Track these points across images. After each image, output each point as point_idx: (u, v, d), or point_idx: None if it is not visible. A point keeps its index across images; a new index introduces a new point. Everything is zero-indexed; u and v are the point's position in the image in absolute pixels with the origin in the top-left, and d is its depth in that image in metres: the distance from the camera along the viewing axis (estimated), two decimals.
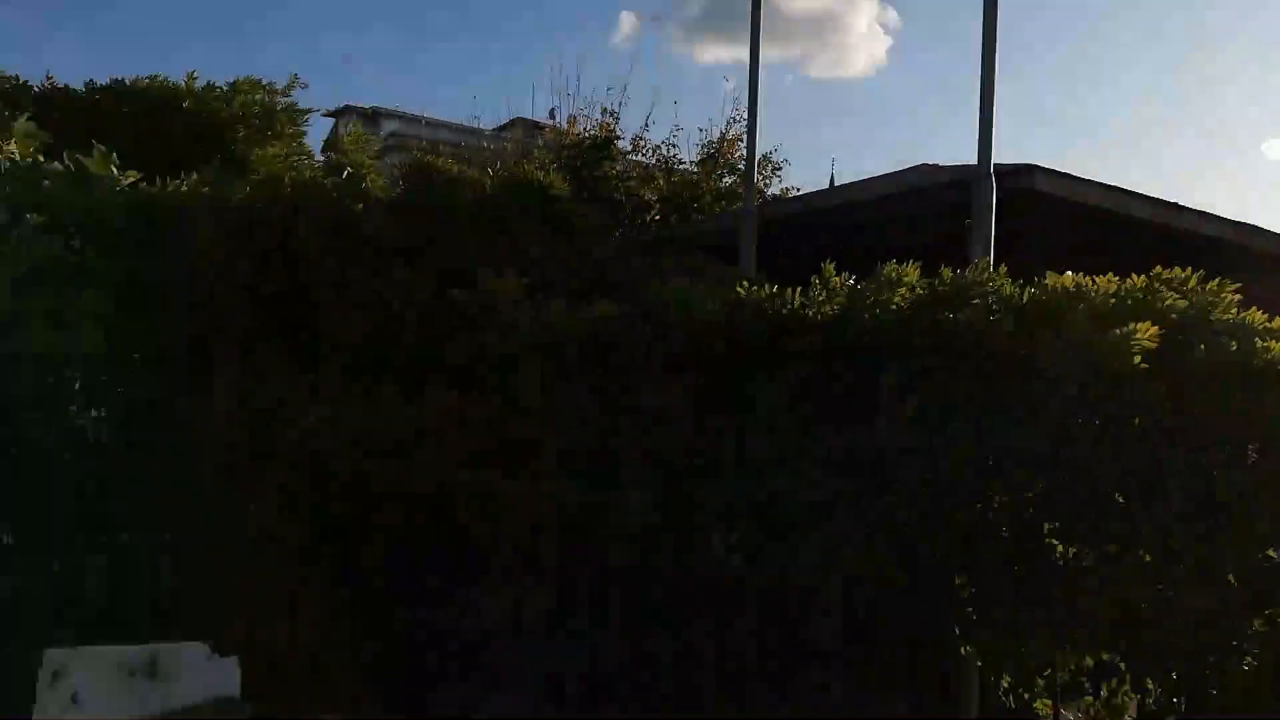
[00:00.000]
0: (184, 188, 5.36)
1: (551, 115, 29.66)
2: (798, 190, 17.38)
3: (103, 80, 7.81)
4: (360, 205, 5.28)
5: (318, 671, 4.99)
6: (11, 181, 4.53)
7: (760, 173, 17.16)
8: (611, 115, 17.10)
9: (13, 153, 4.70)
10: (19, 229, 4.27)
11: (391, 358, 5.29)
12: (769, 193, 17.44)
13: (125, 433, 4.69)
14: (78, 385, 4.59)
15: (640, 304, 4.59)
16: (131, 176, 5.15)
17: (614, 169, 16.10)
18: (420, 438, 4.69)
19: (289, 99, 8.13)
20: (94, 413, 5.00)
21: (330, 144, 6.39)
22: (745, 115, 18.07)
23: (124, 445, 4.69)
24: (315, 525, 4.92)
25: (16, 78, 7.32)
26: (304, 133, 8.26)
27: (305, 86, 8.13)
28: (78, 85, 7.94)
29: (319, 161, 8.30)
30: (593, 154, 16.12)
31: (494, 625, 4.77)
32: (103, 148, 5.12)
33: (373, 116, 26.15)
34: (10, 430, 4.49)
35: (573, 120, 19.37)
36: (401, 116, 25.07)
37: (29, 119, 4.92)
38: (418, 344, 5.23)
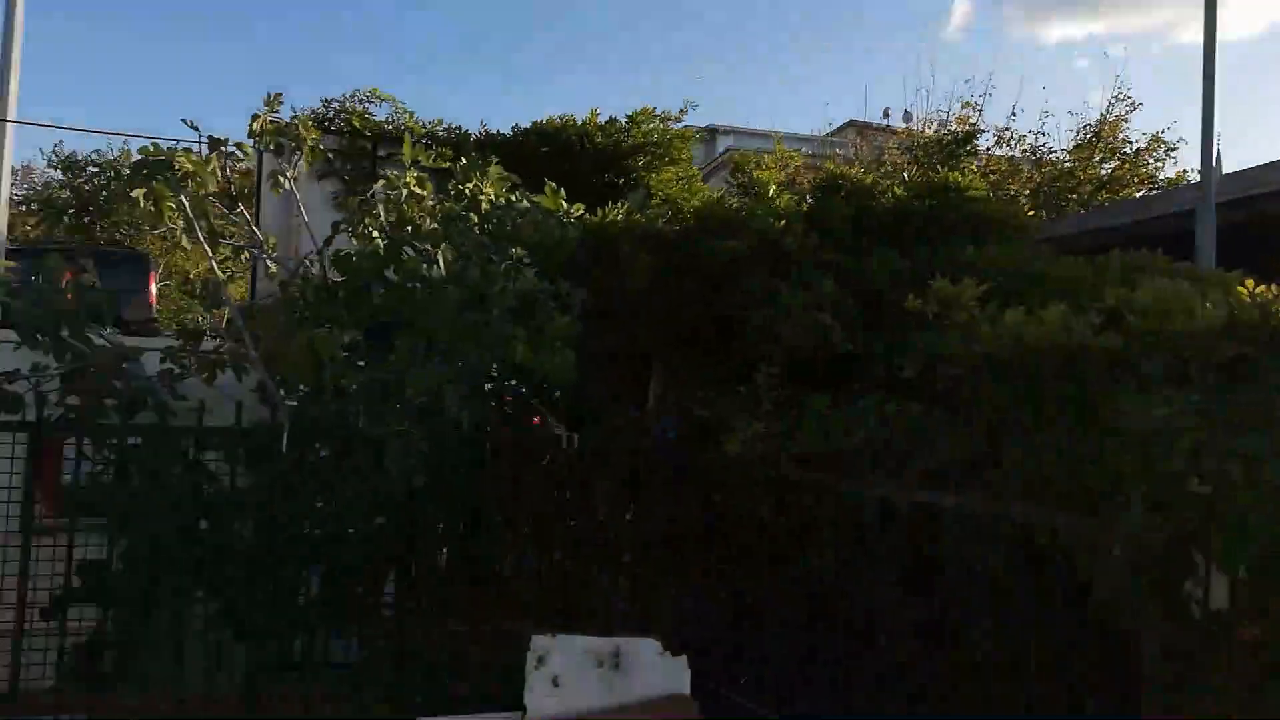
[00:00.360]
0: (618, 217, 5.81)
1: (885, 115, 28.63)
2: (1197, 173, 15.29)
3: (525, 124, 8.80)
4: (782, 222, 5.36)
5: (759, 672, 5.15)
6: (492, 220, 5.16)
7: (1150, 155, 15.33)
8: (974, 108, 16.18)
9: (489, 194, 5.34)
10: (505, 263, 4.83)
11: (815, 368, 5.32)
12: (1160, 177, 15.50)
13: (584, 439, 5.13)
14: (554, 401, 5.12)
15: (1105, 310, 4.16)
16: (579, 209, 5.66)
17: (974, 164, 15.21)
18: (858, 452, 4.65)
19: (681, 124, 8.59)
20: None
21: (738, 164, 6.59)
22: (1128, 94, 16.14)
23: (579, 451, 5.14)
24: (751, 532, 5.08)
25: (460, 127, 8.42)
26: (693, 155, 8.69)
27: (696, 107, 8.54)
28: (501, 129, 9.00)
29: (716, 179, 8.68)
30: (953, 150, 15.32)
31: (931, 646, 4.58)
32: (553, 185, 5.68)
33: (709, 134, 27.03)
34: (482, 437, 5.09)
35: (908, 116, 18.64)
36: (735, 132, 25.68)
37: (496, 163, 5.56)
38: (841, 355, 5.21)
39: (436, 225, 4.91)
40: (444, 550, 4.88)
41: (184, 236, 5.18)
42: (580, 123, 8.64)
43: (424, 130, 8.19)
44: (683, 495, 5.37)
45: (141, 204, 4.38)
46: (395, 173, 5.07)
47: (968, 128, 15.63)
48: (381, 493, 4.57)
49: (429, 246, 4.80)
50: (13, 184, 25.71)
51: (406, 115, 8.21)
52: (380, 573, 4.82)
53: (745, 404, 5.06)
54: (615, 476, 5.27)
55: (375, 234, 4.83)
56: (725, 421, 4.95)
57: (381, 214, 4.86)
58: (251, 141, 5.44)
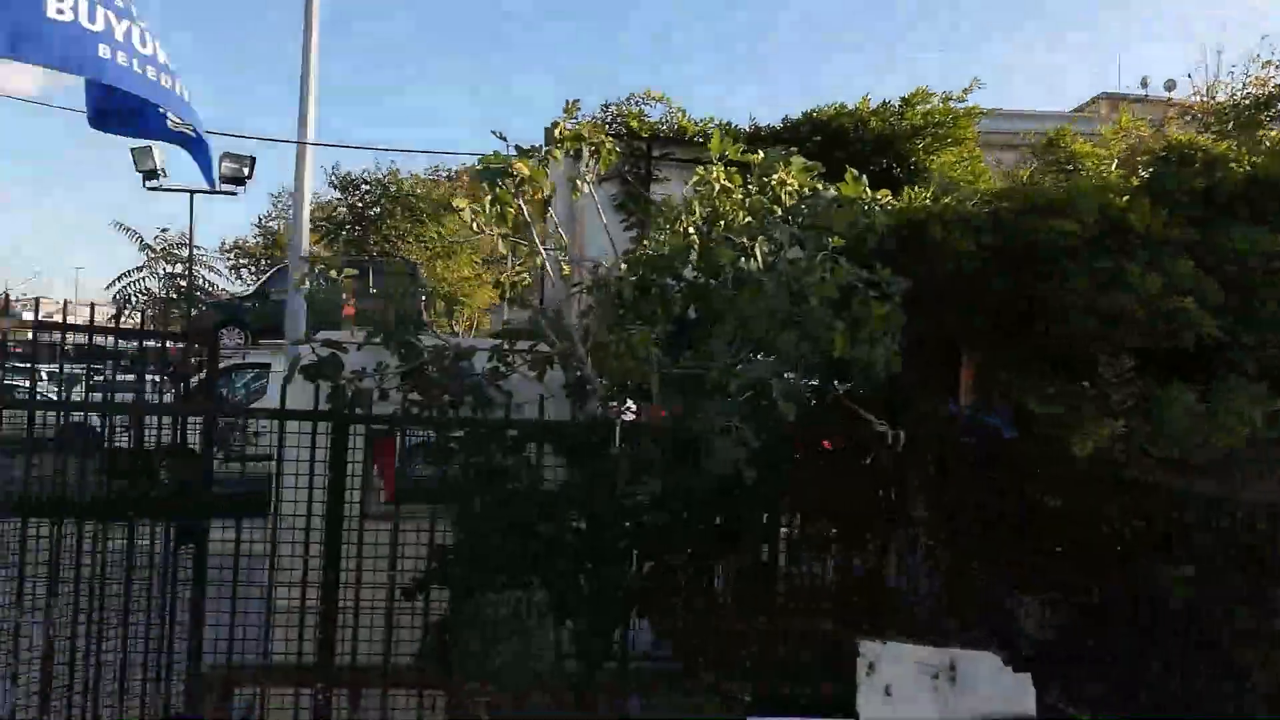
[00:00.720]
0: (926, 201, 5.51)
1: (1143, 84, 26.00)
2: None
3: (794, 115, 8.64)
4: (1124, 197, 4.85)
5: (1094, 683, 4.71)
6: (801, 211, 5.03)
7: None
8: (1277, 67, 14.26)
9: (792, 185, 5.21)
10: (820, 253, 4.68)
11: (1156, 359, 4.79)
12: None
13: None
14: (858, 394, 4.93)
15: None
16: (884, 195, 5.41)
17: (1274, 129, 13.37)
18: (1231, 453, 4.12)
19: (964, 103, 8.10)
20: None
21: (1051, 140, 6.09)
22: None
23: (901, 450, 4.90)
24: (1087, 534, 4.65)
25: (729, 123, 8.37)
26: (978, 134, 8.16)
27: (983, 87, 8.03)
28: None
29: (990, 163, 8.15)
30: (1251, 116, 13.56)
31: None
32: (854, 172, 5.46)
33: None
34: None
35: (1170, 85, 16.65)
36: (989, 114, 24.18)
37: (795, 153, 5.42)
38: (1205, 341, 4.64)
39: (750, 219, 4.84)
40: (764, 547, 4.81)
41: (500, 241, 5.43)
42: (853, 109, 8.36)
43: (697, 128, 8.23)
44: (1008, 493, 5.01)
45: (486, 209, 4.62)
46: (702, 168, 5.05)
47: (1272, 89, 13.80)
48: (704, 489, 4.56)
49: (744, 240, 4.74)
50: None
51: (679, 114, 8.28)
52: (701, 569, 4.82)
53: (1088, 399, 4.63)
54: (933, 474, 5.00)
55: (691, 230, 4.83)
56: (1065, 418, 4.55)
57: (697, 210, 4.86)
58: (550, 148, 5.62)
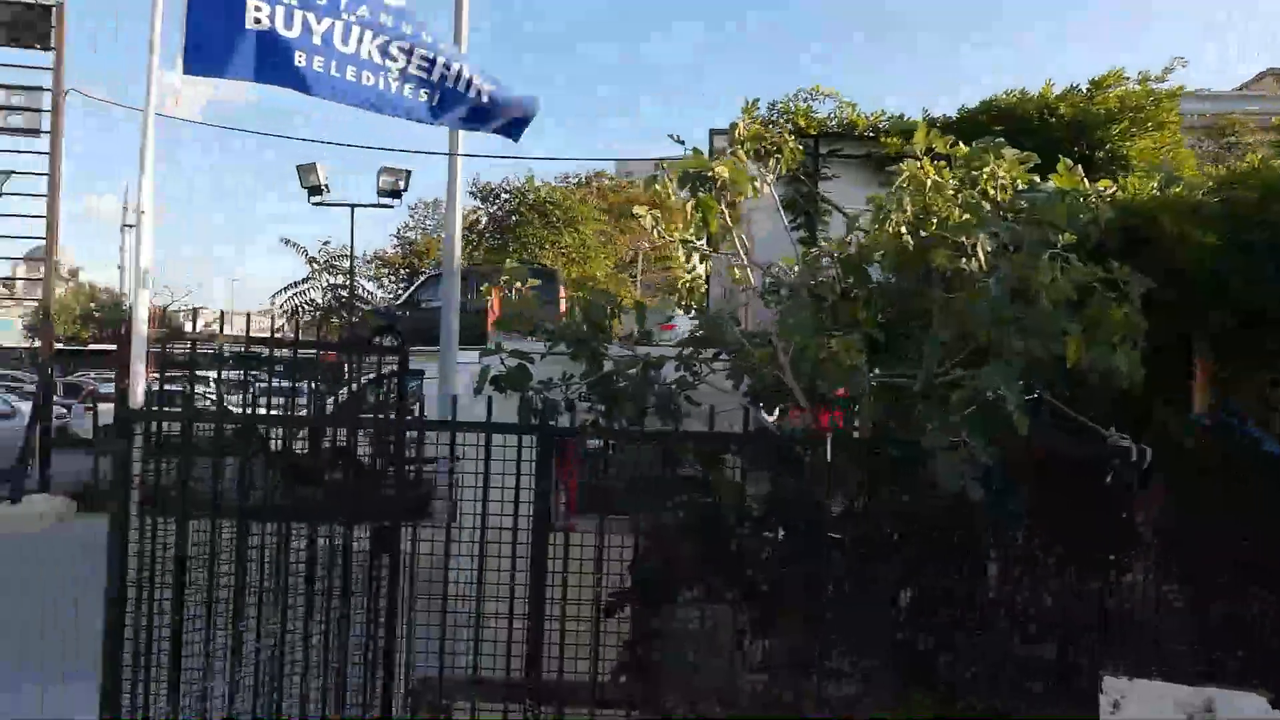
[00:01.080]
0: (1153, 191, 5.06)
1: None
2: None
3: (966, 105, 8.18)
4: None
5: None
6: (1019, 206, 4.67)
7: None
8: None
9: (1004, 178, 4.85)
10: (1049, 251, 4.31)
11: None
12: None
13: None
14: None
15: None
16: (1105, 185, 4.99)
17: None
18: None
19: (1164, 85, 7.49)
20: None
21: None
22: None
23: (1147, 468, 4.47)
24: None
25: (902, 115, 8.00)
26: (1180, 118, 7.52)
27: (1185, 65, 7.38)
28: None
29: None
30: None
31: None
32: (1067, 161, 5.05)
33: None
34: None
35: None
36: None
37: (1004, 144, 5.04)
38: None
39: (966, 216, 4.51)
40: (986, 566, 4.48)
41: (678, 247, 5.27)
42: (1030, 95, 7.85)
43: (868, 122, 7.89)
44: (1266, 512, 4.49)
45: (689, 215, 4.48)
46: (907, 163, 4.76)
47: None
48: (920, 505, 4.28)
49: (963, 239, 4.43)
50: (434, 214, 29.64)
51: (849, 108, 7.96)
52: (913, 586, 4.54)
53: None
54: (1176, 490, 4.54)
55: (903, 230, 4.55)
56: None
57: (909, 208, 4.57)
58: (734, 149, 5.42)
